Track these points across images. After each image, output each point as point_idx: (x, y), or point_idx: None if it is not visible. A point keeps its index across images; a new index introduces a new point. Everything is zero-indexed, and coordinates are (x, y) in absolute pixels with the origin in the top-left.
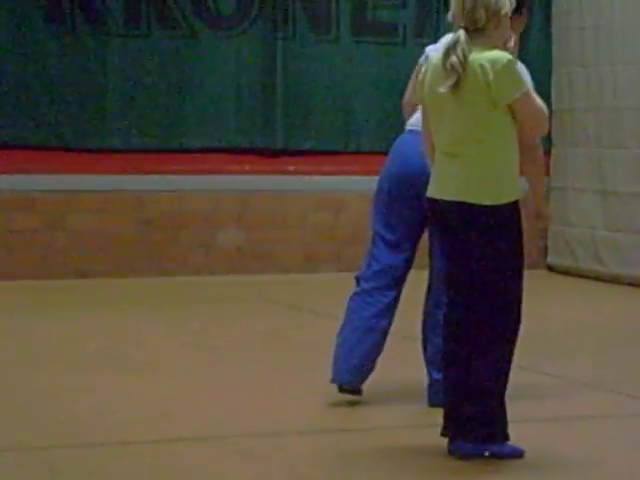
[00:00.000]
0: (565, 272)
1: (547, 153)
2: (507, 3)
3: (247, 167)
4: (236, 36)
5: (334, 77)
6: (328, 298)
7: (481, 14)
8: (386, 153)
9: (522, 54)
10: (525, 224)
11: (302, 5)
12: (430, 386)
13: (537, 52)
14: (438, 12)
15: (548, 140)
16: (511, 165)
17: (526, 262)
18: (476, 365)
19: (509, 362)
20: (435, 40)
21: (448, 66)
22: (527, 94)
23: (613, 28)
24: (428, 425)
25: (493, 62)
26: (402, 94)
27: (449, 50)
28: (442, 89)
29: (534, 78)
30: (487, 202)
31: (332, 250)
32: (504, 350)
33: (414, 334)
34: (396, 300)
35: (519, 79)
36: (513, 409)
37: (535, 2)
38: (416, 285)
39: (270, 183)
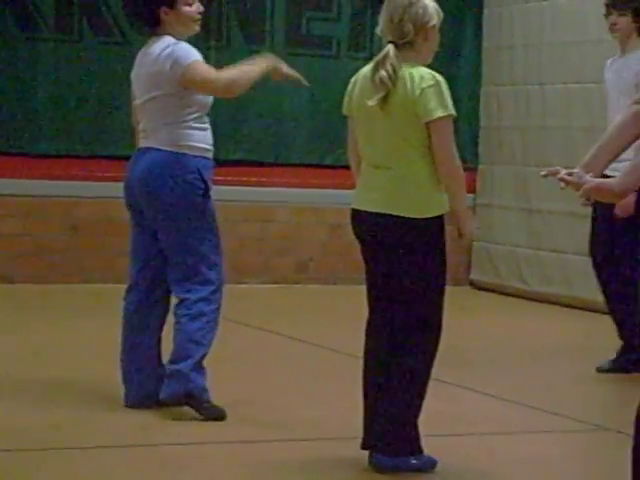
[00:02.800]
0: (488, 289)
1: (474, 170)
2: (435, 16)
3: None
4: None
5: (266, 88)
6: (254, 309)
7: (409, 28)
8: (317, 165)
9: (452, 71)
10: (450, 240)
11: (236, 15)
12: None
13: (467, 69)
14: (372, 26)
15: (475, 157)
16: (437, 180)
17: (451, 278)
18: (395, 379)
19: (428, 376)
20: (371, 53)
21: (377, 80)
22: (448, 122)
23: (542, 47)
24: (350, 437)
25: (423, 79)
26: (334, 107)
27: (378, 64)
28: (371, 102)
29: (464, 95)
30: (413, 215)
31: (259, 261)
32: (423, 365)
33: (344, 349)
34: None
35: (445, 102)
36: (433, 423)
37: (466, 20)
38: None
39: None
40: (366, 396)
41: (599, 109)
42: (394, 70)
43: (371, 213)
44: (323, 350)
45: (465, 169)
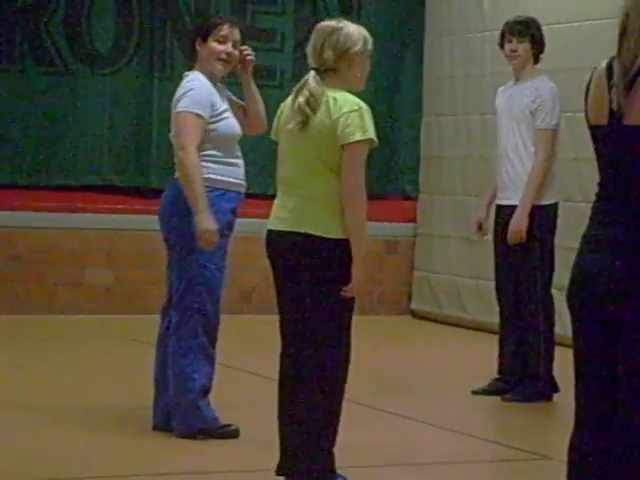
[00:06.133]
0: (429, 318)
1: (414, 199)
2: (358, 41)
3: (119, 206)
4: (112, 74)
5: None
6: None
7: (329, 54)
8: (261, 196)
9: (393, 100)
10: (393, 269)
11: (179, 45)
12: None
13: (408, 99)
14: None
15: (416, 186)
16: None
17: (392, 308)
18: (302, 405)
19: (337, 401)
20: None
21: (296, 106)
22: (364, 147)
23: (483, 78)
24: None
25: (346, 103)
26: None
27: (298, 91)
28: (289, 126)
29: (405, 124)
30: (319, 234)
31: None
32: (336, 391)
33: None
34: None
35: (365, 126)
36: (372, 453)
37: (407, 49)
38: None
39: (141, 222)
40: (281, 424)
41: None
42: (313, 97)
43: (280, 232)
44: (273, 382)
45: (406, 198)
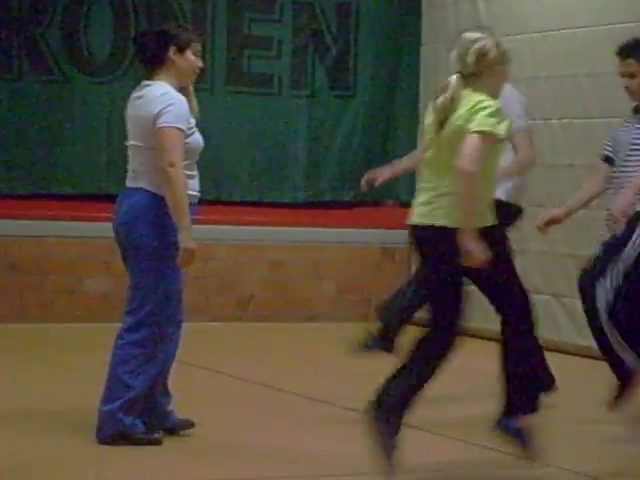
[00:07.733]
0: (426, 325)
1: (411, 207)
2: (496, 50)
3: None
4: (109, 82)
5: (207, 126)
6: (195, 348)
7: (472, 59)
8: (257, 203)
9: (391, 107)
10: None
11: None
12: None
13: (404, 107)
14: (313, 64)
15: (412, 194)
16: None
17: None
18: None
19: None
20: (312, 91)
21: (437, 105)
22: (484, 138)
23: None
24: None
25: (481, 101)
26: (275, 144)
27: (440, 91)
28: (427, 121)
29: (402, 130)
30: (452, 225)
31: (200, 299)
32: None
33: (290, 388)
34: None
35: (492, 123)
36: (371, 461)
37: (404, 57)
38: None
39: None
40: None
41: (538, 145)
42: (453, 97)
43: (415, 225)
44: (270, 390)
45: (402, 206)
